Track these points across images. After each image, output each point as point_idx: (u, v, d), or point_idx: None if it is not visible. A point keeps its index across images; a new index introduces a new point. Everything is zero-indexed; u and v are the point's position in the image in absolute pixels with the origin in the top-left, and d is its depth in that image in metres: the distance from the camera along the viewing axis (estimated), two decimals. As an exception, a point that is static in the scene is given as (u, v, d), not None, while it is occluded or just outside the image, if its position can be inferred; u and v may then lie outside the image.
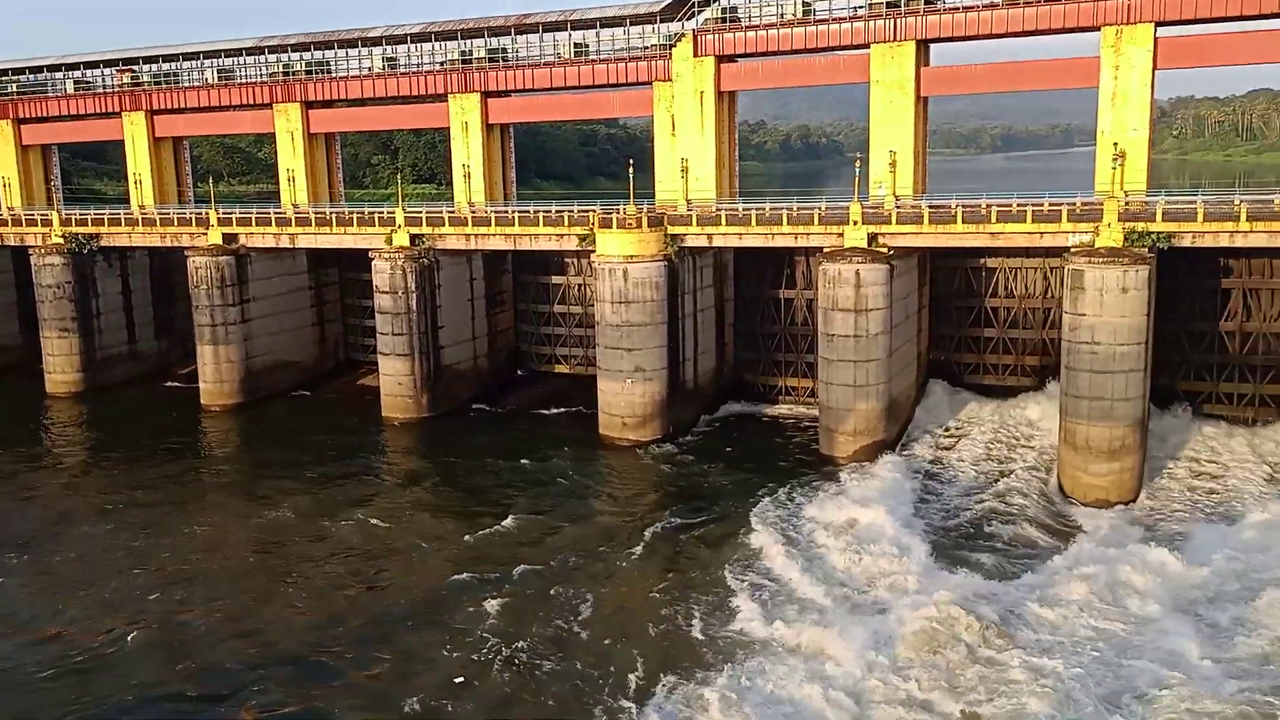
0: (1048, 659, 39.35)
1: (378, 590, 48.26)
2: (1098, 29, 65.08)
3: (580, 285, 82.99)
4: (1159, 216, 57.48)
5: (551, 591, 46.92)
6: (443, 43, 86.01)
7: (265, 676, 40.26)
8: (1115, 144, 63.61)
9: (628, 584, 48.26)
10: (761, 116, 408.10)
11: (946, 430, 67.60)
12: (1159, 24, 63.82)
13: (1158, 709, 36.22)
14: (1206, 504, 55.38)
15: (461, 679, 39.82)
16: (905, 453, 64.06)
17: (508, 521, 55.34)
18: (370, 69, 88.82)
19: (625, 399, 67.66)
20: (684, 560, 50.13)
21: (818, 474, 60.63)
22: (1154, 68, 64.33)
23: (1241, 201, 56.78)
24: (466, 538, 53.51)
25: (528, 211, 74.18)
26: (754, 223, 67.10)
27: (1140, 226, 57.08)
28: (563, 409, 76.47)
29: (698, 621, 43.76)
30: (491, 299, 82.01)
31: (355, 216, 78.52)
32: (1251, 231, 56.34)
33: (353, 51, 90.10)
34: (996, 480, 59.69)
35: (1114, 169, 61.24)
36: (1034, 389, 69.33)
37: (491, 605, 45.52)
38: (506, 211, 75.74)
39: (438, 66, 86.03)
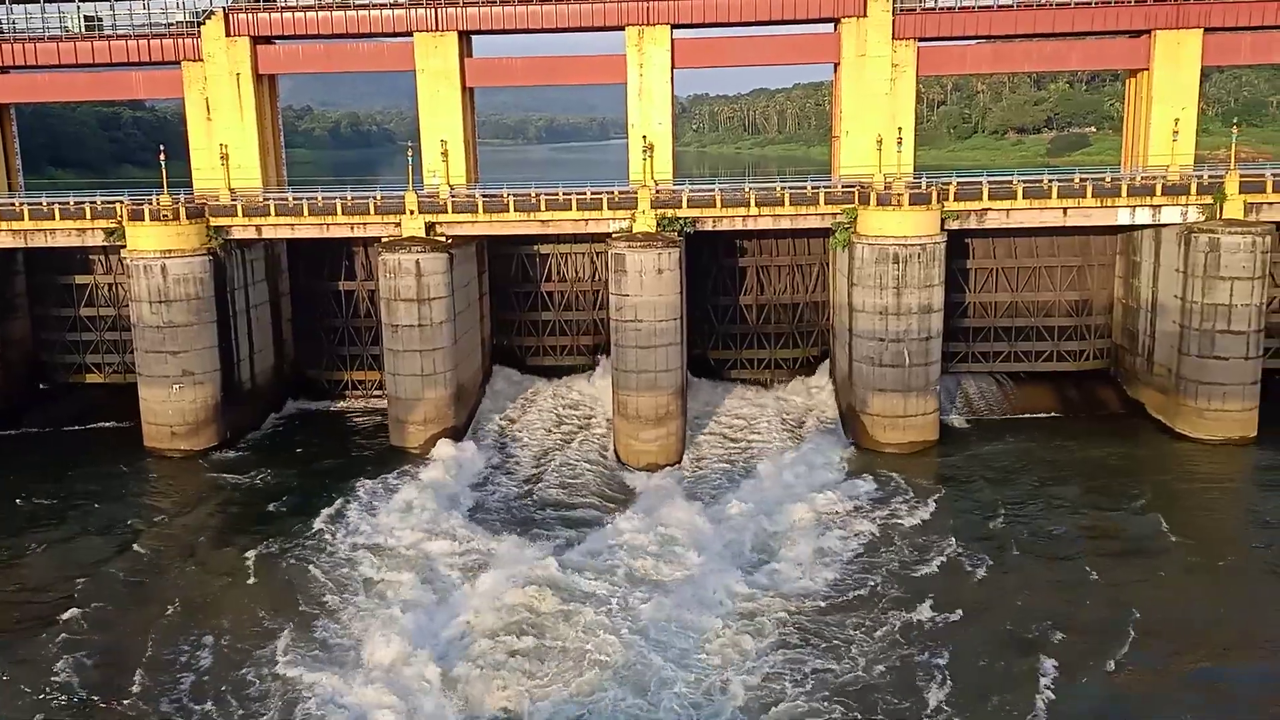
0: (613, 616, 42.35)
1: None
2: (623, 29, 70.34)
3: (112, 284, 74.98)
4: (685, 203, 63.73)
5: (90, 632, 42.53)
6: (-88, 7, 73.13)
7: None
8: (644, 136, 69.35)
9: (181, 607, 44.69)
10: (308, 102, 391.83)
11: (513, 412, 70.00)
12: (675, 26, 70.33)
13: (707, 645, 40.44)
14: (737, 457, 62.53)
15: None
16: (475, 437, 65.49)
17: (24, 560, 49.25)
18: None
19: (174, 406, 62.54)
20: (245, 572, 47.59)
21: (389, 466, 60.11)
22: (673, 66, 70.82)
23: (750, 190, 64.57)
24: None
25: (40, 203, 65.81)
26: (307, 213, 64.79)
27: (670, 213, 62.90)
28: (99, 423, 68.82)
29: (268, 637, 41.87)
30: None
31: None
32: (760, 216, 64.31)
33: None
34: (560, 454, 63.02)
35: (645, 160, 66.88)
36: (589, 367, 73.91)
37: (25, 654, 40.35)
38: (13, 204, 66.58)
39: (-93, 34, 73.04)
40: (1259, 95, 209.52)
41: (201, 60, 71.61)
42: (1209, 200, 62.33)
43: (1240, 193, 61.76)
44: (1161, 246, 64.99)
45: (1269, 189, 62.24)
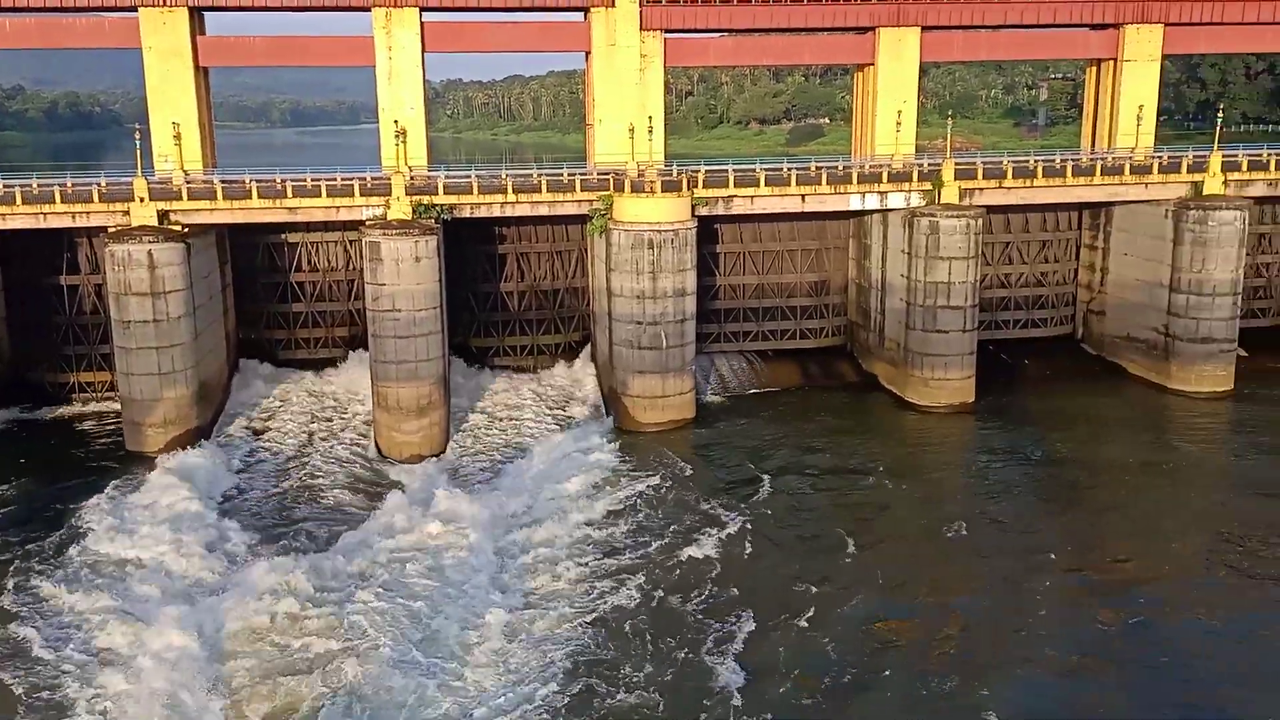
0: (374, 624, 40.93)
1: None
2: (369, 10, 68.23)
3: None
4: (441, 190, 62.85)
5: None
6: None
7: None
8: (396, 121, 67.71)
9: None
10: (19, 80, 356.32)
11: (264, 408, 66.74)
12: (424, 9, 68.97)
13: (472, 649, 39.79)
14: (503, 444, 62.47)
15: None
16: (222, 437, 62.15)
17: None
18: None
19: None
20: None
21: (125, 474, 55.94)
22: (423, 50, 69.46)
23: (508, 176, 64.45)
24: None
25: None
26: (19, 201, 59.12)
27: (426, 199, 61.84)
28: None
29: None
30: None
31: None
32: (518, 202, 64.34)
33: None
34: (317, 451, 60.81)
35: (398, 145, 65.39)
36: (346, 359, 71.44)
37: None
38: None
39: None
40: (970, 90, 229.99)
41: (-117, 30, 63.76)
42: (929, 187, 67.79)
43: (956, 179, 67.50)
44: (889, 230, 70.12)
45: (980, 175, 68.43)
